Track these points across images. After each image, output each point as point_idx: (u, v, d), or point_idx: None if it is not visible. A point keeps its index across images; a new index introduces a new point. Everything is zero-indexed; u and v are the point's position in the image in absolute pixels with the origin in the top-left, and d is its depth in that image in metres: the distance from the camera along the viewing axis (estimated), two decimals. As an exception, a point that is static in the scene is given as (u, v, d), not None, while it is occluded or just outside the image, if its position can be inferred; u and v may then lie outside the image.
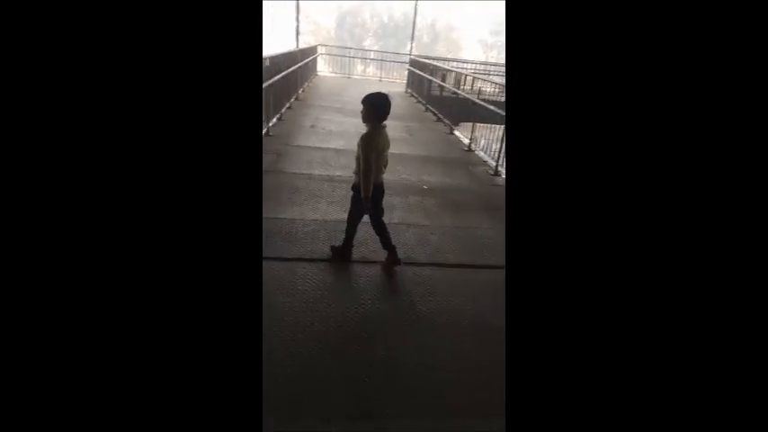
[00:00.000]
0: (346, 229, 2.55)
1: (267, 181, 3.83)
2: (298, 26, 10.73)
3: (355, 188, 2.36)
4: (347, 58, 14.27)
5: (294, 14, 11.31)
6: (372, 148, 2.19)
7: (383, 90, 2.39)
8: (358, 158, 2.25)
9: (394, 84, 13.41)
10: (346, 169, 4.33)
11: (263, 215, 3.08)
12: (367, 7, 35.07)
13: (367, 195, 2.25)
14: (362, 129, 2.27)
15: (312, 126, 6.02)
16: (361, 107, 2.22)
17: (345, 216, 2.57)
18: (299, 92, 8.27)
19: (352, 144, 5.55)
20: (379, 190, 2.34)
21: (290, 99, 7.11)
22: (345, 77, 13.74)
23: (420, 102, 9.25)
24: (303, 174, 4.07)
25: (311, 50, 10.64)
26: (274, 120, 5.74)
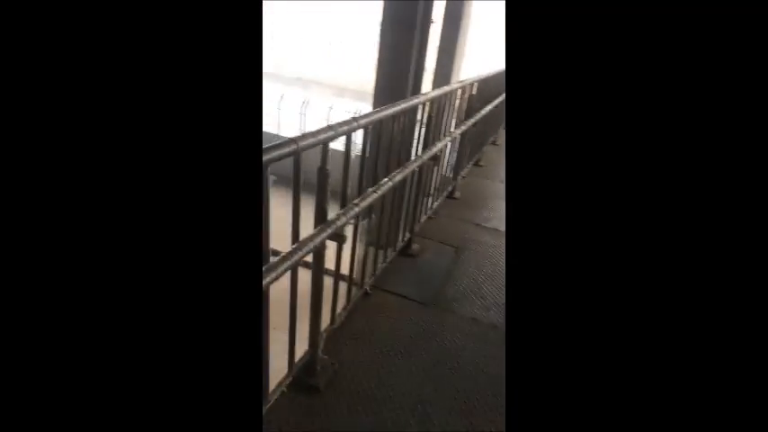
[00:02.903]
0: None
1: (407, 333, 1.66)
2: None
3: None
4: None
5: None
6: None
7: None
8: None
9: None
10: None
11: None
12: None
13: None
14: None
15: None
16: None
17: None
18: (510, 120, 5.99)
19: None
20: None
21: (496, 132, 4.89)
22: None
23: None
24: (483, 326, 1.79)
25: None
26: (467, 168, 3.60)
